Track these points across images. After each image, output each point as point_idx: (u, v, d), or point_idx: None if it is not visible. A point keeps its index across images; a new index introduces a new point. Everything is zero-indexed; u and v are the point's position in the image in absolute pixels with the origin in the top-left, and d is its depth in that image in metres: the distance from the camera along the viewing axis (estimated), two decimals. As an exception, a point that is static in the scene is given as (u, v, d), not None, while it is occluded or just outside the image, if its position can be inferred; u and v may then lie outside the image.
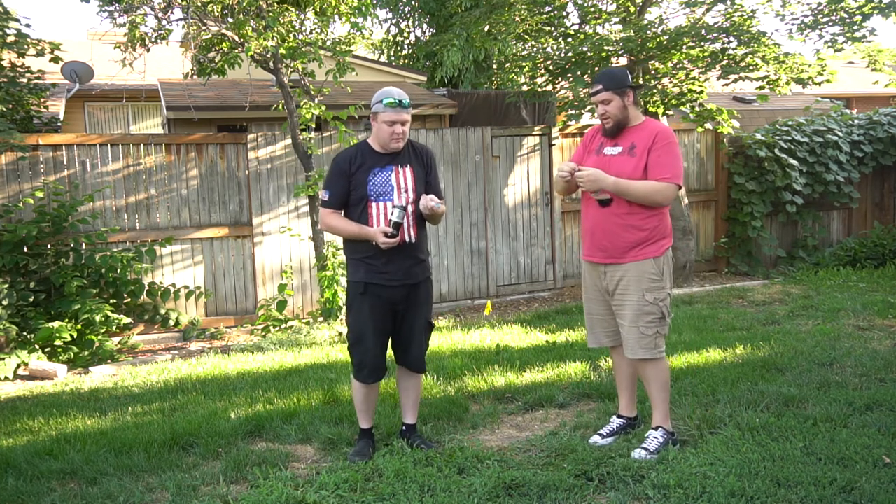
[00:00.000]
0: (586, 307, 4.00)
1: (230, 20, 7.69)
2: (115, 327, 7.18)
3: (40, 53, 8.83)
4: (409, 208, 3.76)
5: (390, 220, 3.65)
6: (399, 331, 3.87)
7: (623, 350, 3.86)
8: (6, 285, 6.60)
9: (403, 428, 4.00)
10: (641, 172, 3.65)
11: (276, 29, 7.41)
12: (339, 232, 3.85)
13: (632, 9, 9.14)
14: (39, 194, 7.24)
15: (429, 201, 3.69)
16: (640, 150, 3.67)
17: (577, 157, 3.92)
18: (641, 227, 3.68)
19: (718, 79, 9.08)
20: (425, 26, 16.83)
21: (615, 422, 4.01)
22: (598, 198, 3.73)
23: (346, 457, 3.80)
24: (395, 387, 4.71)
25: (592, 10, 9.32)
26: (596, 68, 8.91)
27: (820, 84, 8.90)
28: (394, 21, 16.98)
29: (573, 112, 9.06)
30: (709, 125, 9.29)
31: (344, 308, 7.52)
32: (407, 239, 3.76)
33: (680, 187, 3.70)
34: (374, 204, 3.72)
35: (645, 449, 3.62)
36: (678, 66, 8.98)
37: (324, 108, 7.74)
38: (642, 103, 8.68)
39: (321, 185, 3.87)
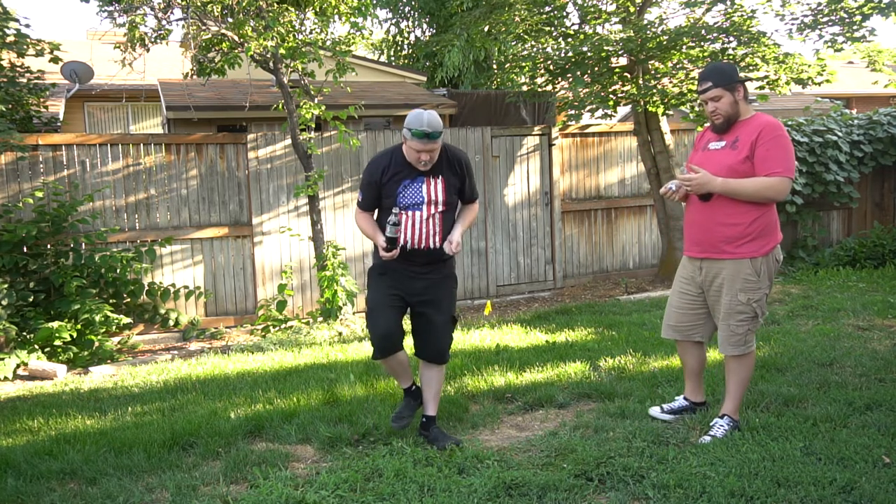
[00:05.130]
0: (670, 298, 4.10)
1: (230, 20, 7.69)
2: (114, 327, 7.18)
3: (40, 53, 8.83)
4: (437, 217, 3.80)
5: (385, 237, 3.71)
6: (418, 326, 3.91)
7: (690, 346, 4.01)
8: (6, 285, 6.60)
9: (424, 420, 4.02)
10: (741, 163, 3.64)
11: (275, 29, 7.41)
12: (361, 231, 4.01)
13: (632, 9, 9.14)
14: (39, 194, 7.24)
15: (449, 246, 3.79)
16: (743, 144, 3.66)
17: (691, 157, 4.00)
18: (737, 223, 3.67)
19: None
20: (425, 26, 16.84)
21: (679, 401, 4.13)
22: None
23: (345, 456, 3.80)
24: (396, 386, 4.72)
25: (592, 10, 9.31)
26: (596, 68, 8.92)
27: (820, 84, 8.89)
28: (394, 21, 16.99)
29: (573, 112, 9.06)
30: (709, 125, 9.28)
31: (343, 308, 7.58)
32: (431, 245, 3.81)
33: (792, 180, 3.68)
34: (403, 213, 3.77)
35: (712, 437, 3.72)
36: (678, 66, 8.98)
37: (323, 108, 7.74)
38: (642, 103, 8.68)
39: (360, 185, 3.99)
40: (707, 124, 4.01)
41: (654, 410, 4.11)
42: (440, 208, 3.81)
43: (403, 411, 3.99)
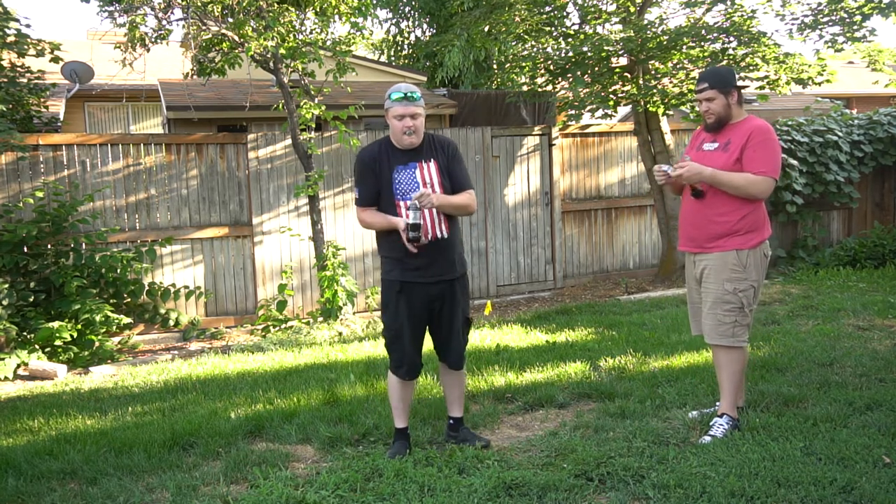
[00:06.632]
0: (687, 296, 4.22)
1: (230, 20, 7.69)
2: (115, 327, 7.18)
3: (40, 53, 8.83)
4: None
5: (407, 224, 3.59)
6: (438, 328, 3.85)
7: None
8: (6, 285, 6.60)
9: (451, 422, 4.00)
10: (731, 165, 3.80)
11: (276, 29, 7.41)
12: (372, 226, 3.81)
13: (632, 9, 9.14)
14: (39, 194, 7.24)
15: (423, 199, 3.56)
16: (734, 147, 3.84)
17: (685, 155, 4.11)
18: (727, 220, 3.83)
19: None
20: (425, 26, 16.84)
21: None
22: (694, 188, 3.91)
23: (345, 456, 3.80)
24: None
25: (592, 10, 9.31)
26: (596, 68, 8.92)
27: (820, 84, 8.89)
28: (394, 21, 16.99)
29: (573, 112, 9.06)
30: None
31: (343, 308, 7.57)
32: (439, 235, 3.71)
33: (776, 181, 3.82)
34: (401, 203, 3.69)
35: (712, 436, 3.74)
36: (678, 66, 8.98)
37: (324, 108, 7.74)
38: (642, 103, 8.68)
39: (353, 184, 3.82)
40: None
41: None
42: (438, 191, 3.70)
43: (400, 449, 3.80)
